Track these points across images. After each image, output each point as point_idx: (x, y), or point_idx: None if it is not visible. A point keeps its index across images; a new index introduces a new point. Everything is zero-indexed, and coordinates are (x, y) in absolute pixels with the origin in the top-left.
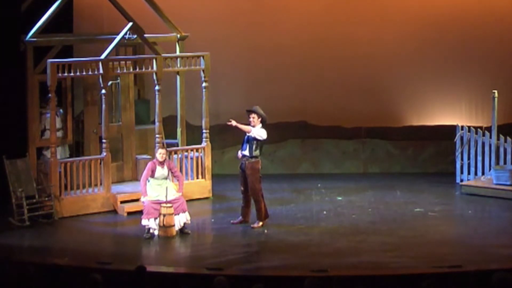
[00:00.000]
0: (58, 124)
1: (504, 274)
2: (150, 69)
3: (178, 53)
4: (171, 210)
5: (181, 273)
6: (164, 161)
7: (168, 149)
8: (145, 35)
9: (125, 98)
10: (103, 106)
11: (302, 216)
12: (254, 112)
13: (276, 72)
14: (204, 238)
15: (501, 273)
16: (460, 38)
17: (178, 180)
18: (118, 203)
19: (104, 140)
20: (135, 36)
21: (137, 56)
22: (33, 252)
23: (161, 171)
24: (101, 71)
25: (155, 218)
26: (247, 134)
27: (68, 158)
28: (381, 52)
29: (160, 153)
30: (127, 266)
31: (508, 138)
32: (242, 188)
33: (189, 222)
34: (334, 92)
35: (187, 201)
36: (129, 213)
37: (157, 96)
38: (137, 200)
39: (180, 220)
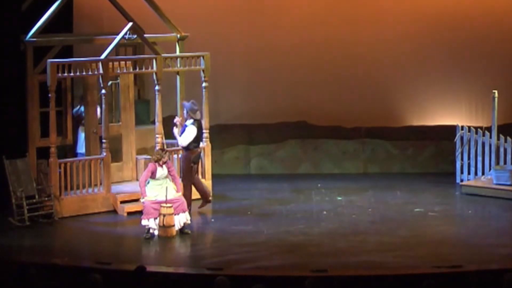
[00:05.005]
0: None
1: None
2: (150, 69)
3: (178, 53)
4: (171, 210)
5: (181, 273)
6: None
7: (168, 149)
8: (145, 35)
9: (125, 98)
10: (103, 106)
11: (302, 216)
12: (184, 106)
13: (276, 72)
14: (204, 238)
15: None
16: (460, 38)
17: (173, 179)
18: (118, 203)
19: (104, 140)
20: (135, 36)
21: (137, 56)
22: (33, 252)
23: (161, 172)
24: (101, 71)
25: (155, 218)
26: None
27: None
28: (381, 52)
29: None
30: (127, 266)
31: (508, 138)
32: None
33: (189, 222)
34: (334, 92)
35: None
36: (129, 213)
37: (157, 96)
38: (137, 200)
39: (180, 220)
